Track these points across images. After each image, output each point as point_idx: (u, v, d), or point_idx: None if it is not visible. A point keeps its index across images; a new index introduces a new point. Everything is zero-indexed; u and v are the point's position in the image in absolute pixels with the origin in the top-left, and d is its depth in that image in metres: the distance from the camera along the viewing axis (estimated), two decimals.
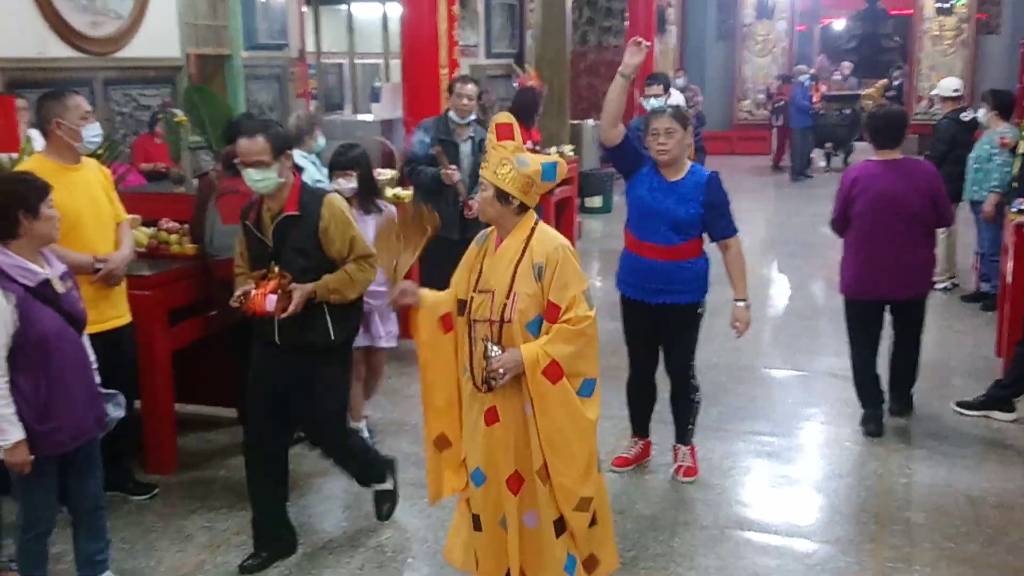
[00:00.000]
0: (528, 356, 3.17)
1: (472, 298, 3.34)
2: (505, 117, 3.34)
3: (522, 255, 3.25)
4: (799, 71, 16.62)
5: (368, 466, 4.31)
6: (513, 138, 3.28)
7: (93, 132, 4.16)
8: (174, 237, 5.05)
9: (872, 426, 5.38)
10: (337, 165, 4.86)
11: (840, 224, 5.39)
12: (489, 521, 3.40)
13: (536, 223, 3.33)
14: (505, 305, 3.24)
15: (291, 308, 3.72)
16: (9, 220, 3.25)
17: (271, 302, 3.70)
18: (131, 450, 4.71)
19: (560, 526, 3.32)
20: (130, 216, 5.07)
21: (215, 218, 4.79)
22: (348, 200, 4.81)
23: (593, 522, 3.38)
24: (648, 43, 4.35)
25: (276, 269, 3.77)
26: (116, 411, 3.62)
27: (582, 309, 3.20)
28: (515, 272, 3.24)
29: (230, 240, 4.33)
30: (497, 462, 3.32)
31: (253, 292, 3.73)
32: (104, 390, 3.58)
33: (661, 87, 6.55)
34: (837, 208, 5.36)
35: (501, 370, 3.18)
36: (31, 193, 3.29)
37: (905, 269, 5.19)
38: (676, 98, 14.94)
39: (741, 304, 4.55)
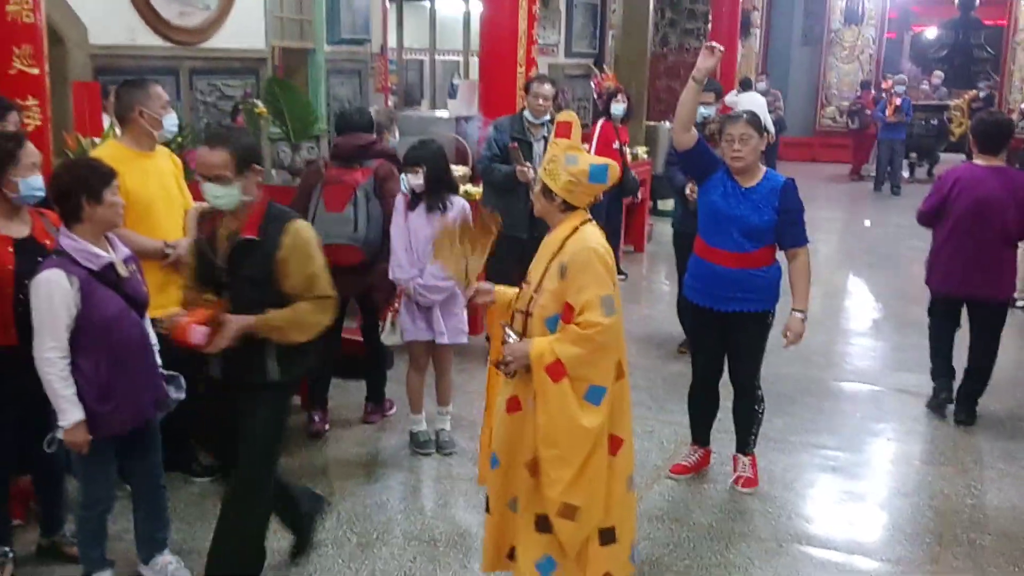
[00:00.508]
0: (535, 350, 3.20)
1: (522, 288, 3.38)
2: (566, 115, 3.35)
3: (557, 252, 3.26)
4: (899, 80, 16.16)
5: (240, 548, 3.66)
6: (568, 136, 3.28)
7: (172, 121, 4.29)
8: None
9: (942, 402, 5.76)
10: (407, 161, 4.90)
11: (929, 217, 5.60)
12: (496, 503, 3.44)
13: (583, 223, 3.30)
14: (532, 298, 3.29)
15: (219, 344, 3.32)
16: (72, 204, 3.31)
17: (198, 334, 3.28)
18: (194, 433, 4.80)
19: (543, 524, 3.30)
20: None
21: (320, 206, 5.04)
22: (417, 196, 4.86)
23: (612, 540, 3.32)
24: (722, 48, 4.29)
25: (213, 298, 3.40)
26: (177, 393, 3.67)
27: (594, 315, 3.15)
28: (547, 268, 3.26)
29: (332, 227, 4.90)
30: (512, 450, 3.35)
31: (182, 320, 3.34)
32: (165, 371, 3.65)
33: (712, 95, 6.50)
34: (932, 202, 5.56)
35: (510, 357, 3.25)
36: (94, 179, 3.34)
37: (992, 271, 5.43)
38: (756, 101, 14.81)
39: (799, 315, 4.47)
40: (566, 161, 3.24)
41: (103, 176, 3.37)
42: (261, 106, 7.18)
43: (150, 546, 3.78)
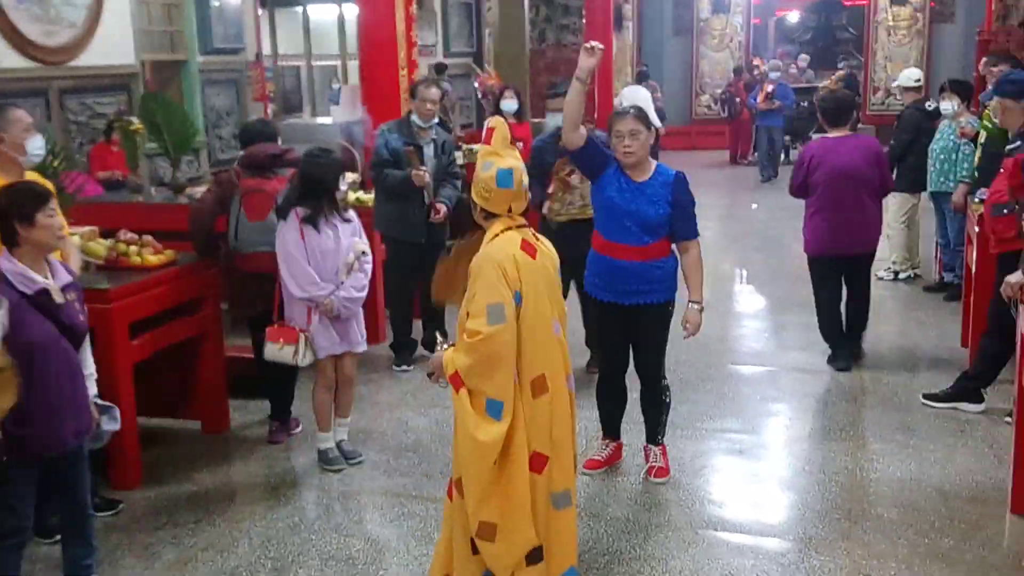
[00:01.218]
0: (445, 360, 3.21)
1: None
2: (492, 120, 3.33)
3: (477, 260, 3.24)
4: (772, 66, 16.21)
5: None
6: (489, 142, 3.25)
7: (37, 144, 4.15)
8: (133, 248, 4.94)
9: (842, 363, 6.30)
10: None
11: (799, 189, 6.27)
12: (445, 525, 3.45)
13: (504, 230, 3.24)
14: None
15: None
16: (7, 228, 3.32)
17: None
18: (95, 466, 4.60)
19: (475, 546, 3.26)
20: (87, 228, 5.00)
21: (242, 216, 5.14)
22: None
23: (538, 559, 3.26)
24: (602, 46, 4.34)
25: None
26: (110, 424, 3.68)
27: (477, 323, 3.09)
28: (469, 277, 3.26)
29: (255, 236, 5.09)
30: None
31: None
32: (100, 402, 3.61)
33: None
34: (797, 177, 6.26)
35: (430, 368, 3.35)
36: (26, 202, 3.35)
37: (858, 227, 6.11)
38: (640, 95, 15.00)
39: (696, 306, 4.54)
40: (481, 168, 3.22)
41: (36, 198, 3.36)
42: (136, 122, 6.93)
43: (77, 573, 3.69)
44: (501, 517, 3.17)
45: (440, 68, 12.58)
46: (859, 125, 17.43)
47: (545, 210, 5.86)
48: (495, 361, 3.11)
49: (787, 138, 16.94)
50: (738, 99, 16.82)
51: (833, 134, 6.23)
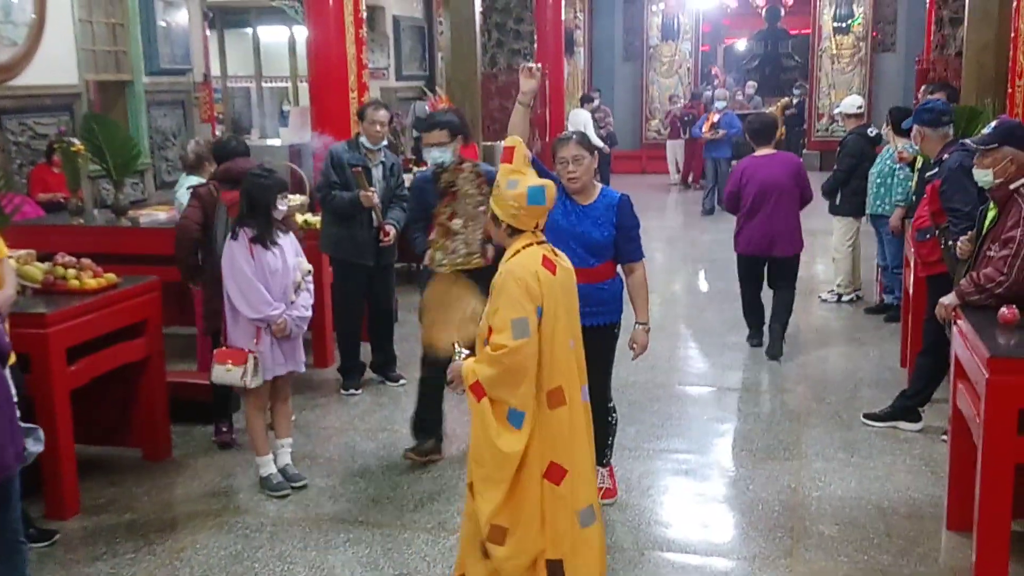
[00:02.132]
0: (464, 370, 3.31)
1: None
2: (510, 140, 3.40)
3: (500, 276, 3.32)
4: (719, 95, 15.10)
5: None
6: (510, 161, 3.32)
7: None
8: (71, 272, 4.86)
9: (756, 340, 7.32)
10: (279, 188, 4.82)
11: (731, 202, 7.19)
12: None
13: (525, 247, 3.33)
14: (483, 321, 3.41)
15: None
16: None
17: None
18: (29, 494, 4.49)
19: (485, 550, 3.32)
20: (24, 251, 4.91)
21: (229, 228, 5.05)
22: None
23: (559, 573, 3.31)
24: (539, 66, 4.40)
25: None
26: (35, 445, 3.50)
27: (502, 337, 3.19)
28: (491, 291, 3.35)
29: None
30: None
31: None
32: (24, 424, 3.46)
33: (447, 132, 5.17)
34: (729, 190, 7.24)
35: (450, 376, 3.43)
36: None
37: (780, 234, 7.00)
38: (580, 118, 15.13)
39: (642, 327, 4.58)
40: (507, 186, 3.29)
41: None
42: (78, 143, 6.82)
43: None
44: (512, 522, 3.26)
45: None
46: (803, 151, 17.81)
47: (427, 260, 5.16)
48: (519, 373, 3.22)
49: (734, 162, 17.01)
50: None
51: (760, 152, 7.18)
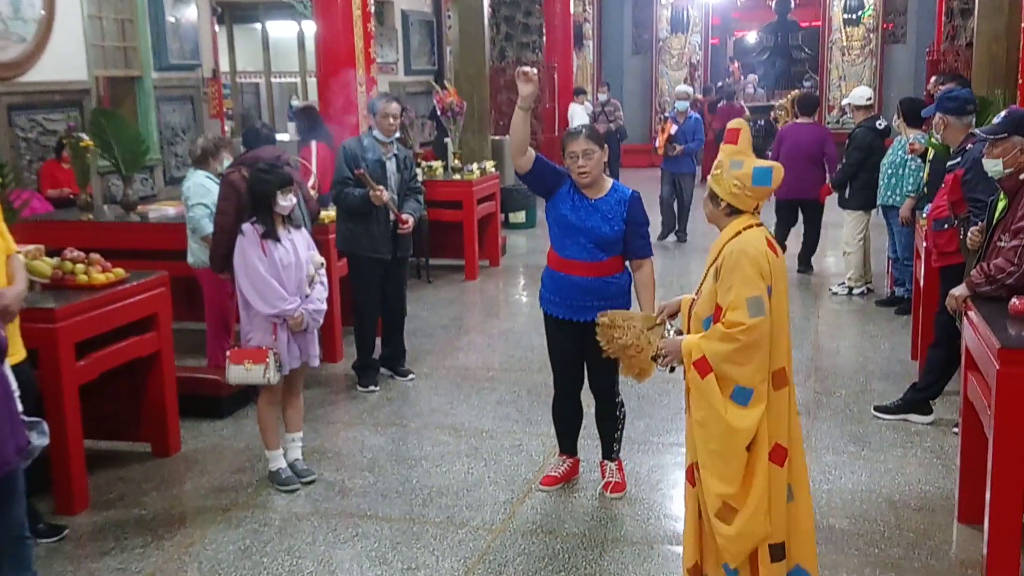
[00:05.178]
0: (685, 346, 3.35)
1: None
2: (735, 123, 3.42)
3: (717, 256, 3.34)
4: (680, 94, 11.68)
5: None
6: (736, 142, 3.35)
7: None
8: (80, 267, 4.85)
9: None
10: (282, 182, 4.75)
11: (774, 158, 8.47)
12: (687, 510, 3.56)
13: (746, 228, 3.34)
14: (694, 300, 3.46)
15: None
16: None
17: None
18: (38, 490, 4.51)
19: None
20: (33, 246, 4.91)
21: None
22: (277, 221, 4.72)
23: (781, 557, 3.33)
24: (535, 71, 4.39)
25: None
26: (40, 439, 3.50)
27: (737, 314, 3.23)
28: (708, 270, 3.38)
29: None
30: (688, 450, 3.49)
31: None
32: (27, 418, 3.46)
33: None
34: (775, 149, 9.39)
35: (664, 351, 3.46)
36: None
37: (808, 182, 9.23)
38: (580, 116, 15.03)
39: None
40: (731, 166, 3.33)
41: None
42: (87, 139, 6.83)
43: None
44: (740, 502, 3.28)
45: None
46: None
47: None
48: (753, 350, 3.25)
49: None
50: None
51: (801, 120, 9.57)
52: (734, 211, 3.38)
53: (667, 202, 11.44)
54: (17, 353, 3.97)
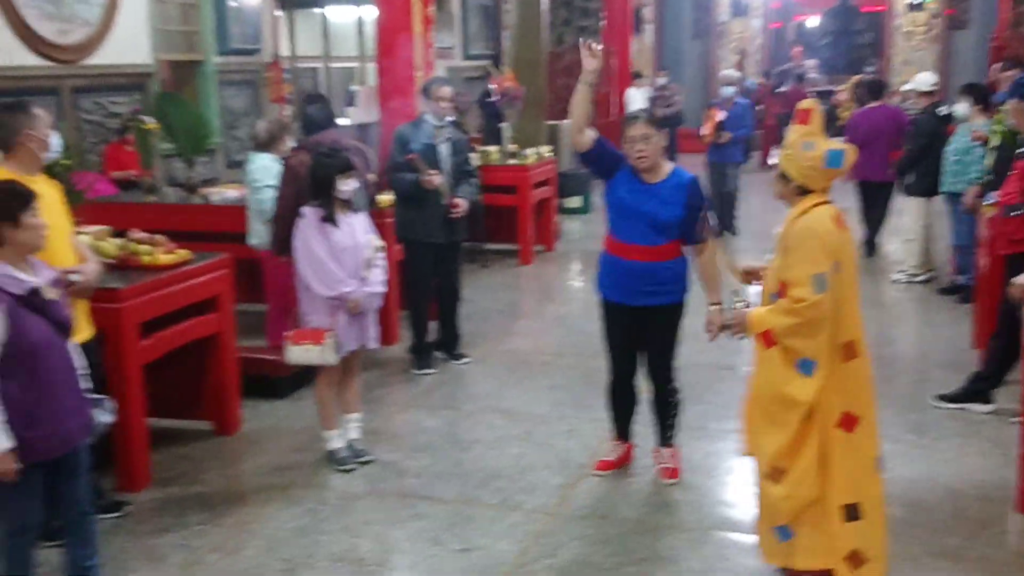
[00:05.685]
0: (751, 319, 3.52)
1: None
2: (807, 103, 3.51)
3: (785, 232, 3.46)
4: (725, 78, 11.29)
5: None
6: (807, 123, 3.43)
7: (56, 142, 4.15)
8: (145, 248, 4.95)
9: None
10: (342, 166, 4.79)
11: (849, 141, 8.39)
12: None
13: (815, 205, 3.43)
14: (765, 276, 3.63)
15: None
16: None
17: None
18: (101, 466, 4.62)
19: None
20: (99, 227, 5.03)
21: None
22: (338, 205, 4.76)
23: (856, 516, 3.45)
24: (600, 46, 4.39)
25: None
26: (105, 416, 3.63)
27: (800, 291, 3.34)
28: (777, 247, 3.51)
29: None
30: None
31: None
32: (92, 395, 3.57)
33: None
34: (848, 137, 8.74)
35: (731, 321, 3.67)
36: (12, 202, 3.29)
37: (881, 163, 9.01)
38: (637, 100, 14.90)
39: (715, 308, 4.51)
40: (803, 147, 3.42)
41: (21, 199, 3.31)
42: (151, 122, 6.96)
43: (80, 575, 3.66)
44: (792, 464, 3.44)
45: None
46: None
47: None
48: (817, 325, 3.37)
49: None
50: (760, 106, 16.62)
51: (872, 104, 9.42)
52: (804, 191, 3.46)
53: (714, 198, 10.00)
54: (85, 331, 4.07)
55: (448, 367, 6.56)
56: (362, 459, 5.01)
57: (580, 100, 4.42)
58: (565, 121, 11.78)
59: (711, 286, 4.52)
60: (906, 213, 8.65)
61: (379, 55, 8.59)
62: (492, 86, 10.73)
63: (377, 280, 4.90)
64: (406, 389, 6.21)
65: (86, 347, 3.86)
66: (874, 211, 9.53)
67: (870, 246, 9.60)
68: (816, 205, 3.44)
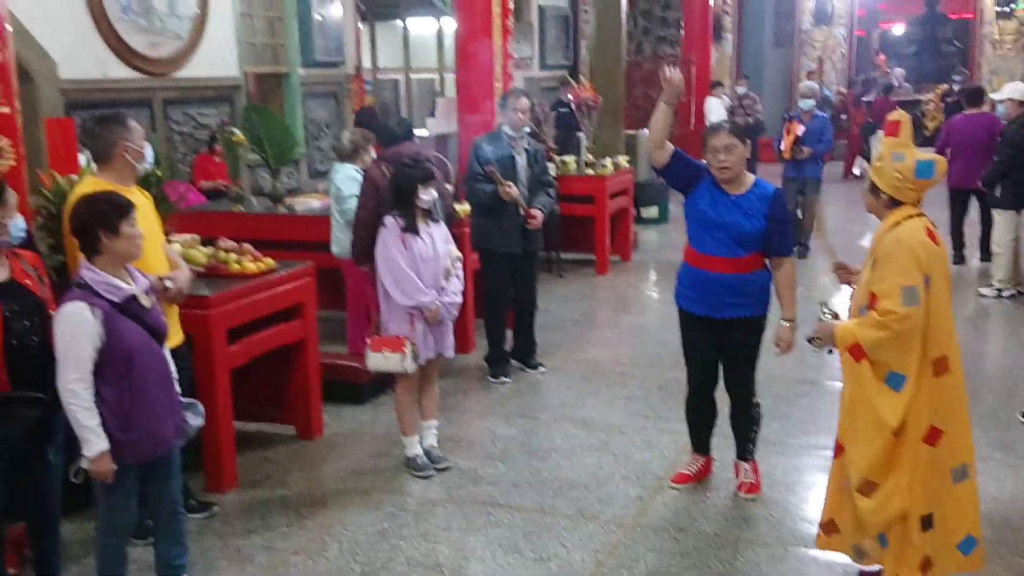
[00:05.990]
0: (839, 331, 3.49)
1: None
2: (896, 114, 3.52)
3: (876, 246, 3.46)
4: (805, 91, 10.68)
5: None
6: (897, 135, 3.45)
7: (149, 153, 4.28)
8: (232, 256, 5.09)
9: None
10: (423, 176, 4.86)
11: (940, 149, 8.98)
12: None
13: (906, 218, 3.43)
14: (854, 290, 3.64)
15: None
16: (90, 237, 3.38)
17: None
18: (190, 468, 4.74)
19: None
20: (188, 236, 5.17)
21: None
22: (419, 214, 4.84)
23: (930, 526, 3.48)
24: (678, 71, 4.40)
25: None
26: (196, 419, 3.74)
27: (890, 303, 3.34)
28: (866, 261, 3.52)
29: None
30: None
31: None
32: (184, 399, 3.69)
33: None
34: (939, 144, 9.46)
35: (818, 335, 3.62)
36: (111, 211, 3.40)
37: (978, 168, 8.73)
38: (717, 109, 14.74)
39: (787, 324, 4.47)
40: (892, 158, 3.43)
41: (120, 209, 3.42)
42: (238, 133, 7.14)
43: (170, 571, 3.78)
44: (883, 478, 3.45)
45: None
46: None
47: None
48: (907, 339, 3.36)
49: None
50: (843, 116, 16.37)
51: (969, 111, 9.45)
52: (895, 203, 3.43)
53: (794, 215, 9.44)
54: (175, 336, 4.20)
55: (524, 376, 6.59)
56: (440, 465, 5.06)
57: (660, 118, 4.42)
58: (643, 131, 11.76)
59: (786, 302, 4.48)
60: (994, 225, 8.43)
61: (458, 66, 8.68)
62: (568, 96, 10.74)
63: (454, 290, 4.96)
64: (482, 397, 6.26)
65: (176, 352, 3.97)
66: (964, 220, 9.58)
67: (959, 255, 9.48)
68: (909, 217, 3.42)
